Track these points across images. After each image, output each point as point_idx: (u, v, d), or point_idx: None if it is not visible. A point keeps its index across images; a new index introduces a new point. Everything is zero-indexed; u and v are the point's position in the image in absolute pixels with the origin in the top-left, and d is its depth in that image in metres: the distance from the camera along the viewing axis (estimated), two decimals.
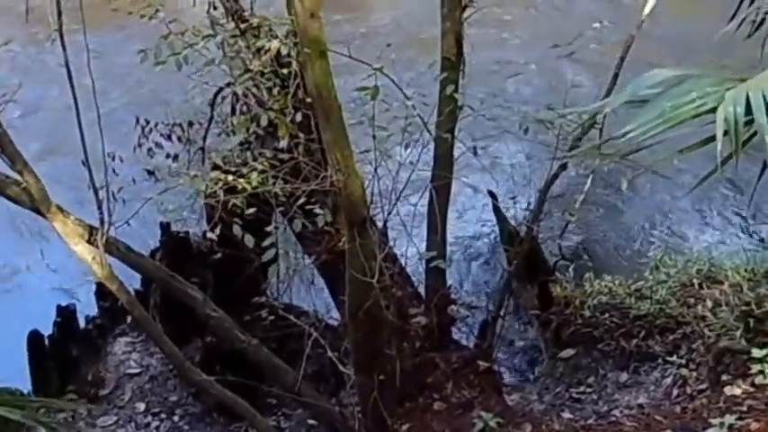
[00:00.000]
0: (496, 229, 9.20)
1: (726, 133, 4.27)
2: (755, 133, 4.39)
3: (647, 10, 7.92)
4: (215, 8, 7.59)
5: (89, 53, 6.31)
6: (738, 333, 7.67)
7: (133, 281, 8.36)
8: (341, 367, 7.42)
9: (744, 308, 7.86)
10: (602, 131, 7.03)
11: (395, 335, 7.29)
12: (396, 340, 7.30)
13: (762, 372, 6.95)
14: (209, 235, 7.24)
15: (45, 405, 7.17)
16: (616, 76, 7.54)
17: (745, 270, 8.40)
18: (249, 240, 6.92)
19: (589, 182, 8.32)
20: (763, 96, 4.31)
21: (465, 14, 7.29)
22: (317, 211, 6.94)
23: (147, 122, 8.27)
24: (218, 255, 7.91)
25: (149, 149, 8.27)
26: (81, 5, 6.43)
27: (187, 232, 8.63)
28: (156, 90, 11.82)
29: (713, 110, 4.42)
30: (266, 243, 6.98)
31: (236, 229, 6.85)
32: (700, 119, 4.58)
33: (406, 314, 7.60)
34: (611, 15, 10.68)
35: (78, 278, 9.73)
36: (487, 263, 10.09)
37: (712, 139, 4.38)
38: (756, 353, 7.00)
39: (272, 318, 7.72)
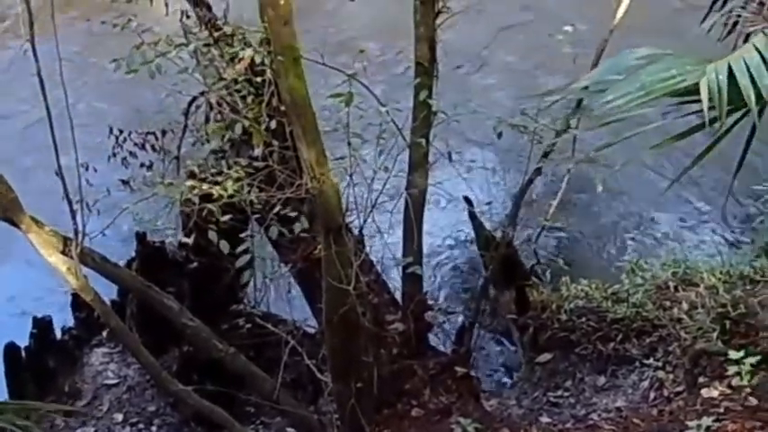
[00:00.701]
0: (473, 234, 9.20)
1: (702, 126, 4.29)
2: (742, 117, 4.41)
3: (620, 13, 7.93)
4: (188, 17, 7.57)
5: (61, 62, 6.28)
6: (715, 335, 7.71)
7: (110, 291, 8.35)
8: (318, 375, 7.40)
9: (720, 310, 7.90)
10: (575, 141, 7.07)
11: (372, 342, 7.29)
12: (373, 347, 7.30)
13: (738, 373, 6.99)
14: (185, 240, 7.24)
15: (24, 407, 7.16)
16: None
17: (721, 272, 8.43)
18: (225, 246, 6.90)
19: (564, 185, 8.31)
20: (745, 63, 4.35)
21: (438, 20, 7.29)
22: (292, 215, 6.94)
23: (121, 132, 8.24)
24: (195, 264, 7.89)
25: (124, 159, 8.24)
26: (53, 15, 6.40)
27: (163, 242, 8.60)
28: (130, 99, 11.78)
29: (693, 87, 4.45)
30: (240, 249, 6.97)
31: (212, 235, 6.83)
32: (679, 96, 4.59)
33: (382, 321, 7.60)
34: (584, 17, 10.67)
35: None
36: (464, 268, 10.09)
37: (691, 131, 4.41)
38: (733, 354, 7.04)
39: (249, 326, 7.70)
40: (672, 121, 4.83)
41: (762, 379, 7.05)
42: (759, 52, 4.39)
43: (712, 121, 4.32)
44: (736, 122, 4.59)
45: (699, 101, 4.43)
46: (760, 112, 4.40)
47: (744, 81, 4.32)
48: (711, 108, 4.33)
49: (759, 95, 4.34)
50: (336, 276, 6.54)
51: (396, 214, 7.76)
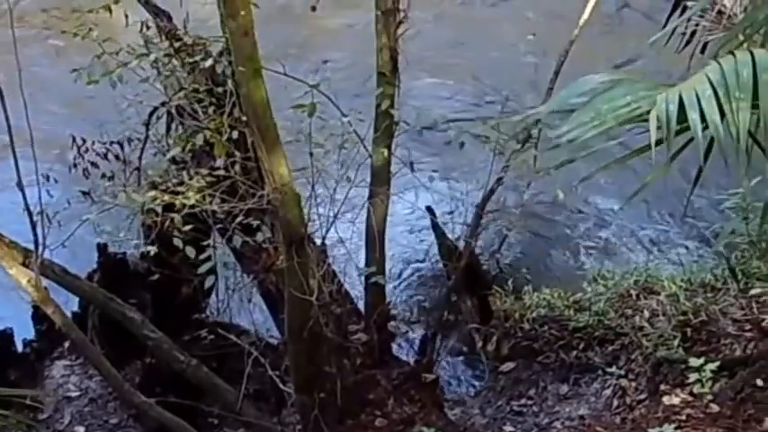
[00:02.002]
0: (435, 244, 9.21)
1: (659, 142, 4.30)
2: (691, 140, 4.43)
3: (581, 21, 7.98)
4: (147, 28, 7.54)
5: (21, 73, 6.24)
6: (676, 342, 7.77)
7: (71, 303, 8.31)
8: (282, 386, 7.39)
9: (681, 317, 7.96)
10: (538, 146, 7.09)
11: (335, 352, 7.29)
12: (336, 357, 7.30)
13: (699, 381, 7.04)
14: (149, 249, 7.21)
15: None
16: (551, 90, 7.58)
17: (682, 280, 8.50)
18: (190, 252, 6.89)
19: (526, 195, 8.35)
20: (696, 95, 4.36)
21: (399, 30, 7.29)
22: (254, 225, 6.94)
23: (84, 141, 8.20)
24: (157, 275, 7.86)
25: (85, 170, 8.20)
26: (12, 25, 6.36)
27: (125, 253, 8.55)
28: (91, 110, 11.72)
29: (648, 113, 4.46)
30: (202, 257, 6.96)
31: (177, 241, 6.81)
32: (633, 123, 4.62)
33: (345, 331, 7.58)
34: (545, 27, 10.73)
35: None
36: (427, 278, 10.09)
37: (648, 147, 4.42)
38: (693, 362, 7.09)
39: (212, 337, 7.71)
40: (632, 137, 4.84)
41: (723, 386, 7.11)
42: (711, 85, 4.40)
43: (659, 142, 4.34)
44: (685, 145, 4.62)
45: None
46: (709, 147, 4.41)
47: (693, 115, 4.33)
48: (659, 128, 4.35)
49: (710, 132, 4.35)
50: (299, 287, 6.53)
51: (359, 224, 7.77)
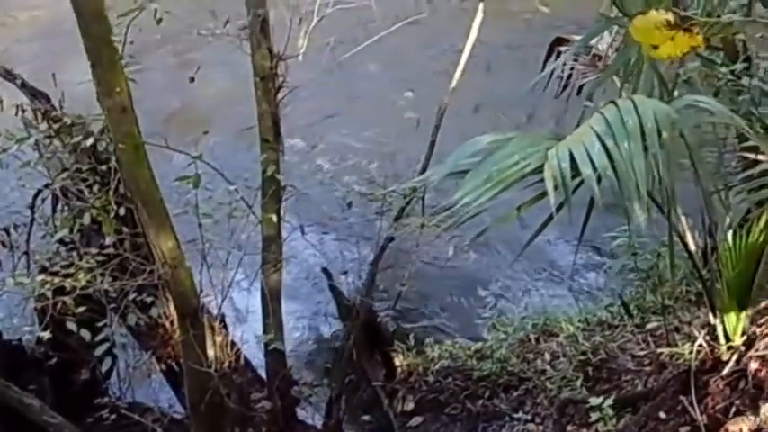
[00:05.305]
0: (333, 305, 9.21)
1: (556, 188, 4.36)
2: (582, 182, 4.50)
3: (457, 74, 8.10)
4: (23, 111, 7.47)
5: None
6: (579, 383, 7.83)
7: None
8: None
9: (581, 357, 8.04)
10: (425, 201, 7.16)
11: (239, 422, 7.23)
12: (240, 427, 7.24)
13: (602, 419, 7.09)
14: (42, 335, 7.11)
15: None
16: (433, 143, 7.67)
17: (579, 321, 8.60)
18: (85, 334, 6.81)
19: (416, 254, 8.41)
20: (585, 150, 4.43)
21: (279, 96, 7.32)
22: (149, 301, 6.89)
23: None
24: (54, 359, 7.74)
25: None
26: None
27: (20, 339, 8.41)
28: None
29: (537, 169, 4.52)
30: (98, 339, 6.88)
31: (71, 325, 6.72)
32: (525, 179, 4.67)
33: (248, 400, 7.54)
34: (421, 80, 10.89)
35: None
36: (327, 339, 10.07)
37: (541, 197, 4.48)
38: (594, 401, 7.14)
39: (114, 417, 7.58)
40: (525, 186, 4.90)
41: (627, 422, 7.15)
42: (599, 138, 4.49)
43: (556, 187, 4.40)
44: (577, 187, 4.69)
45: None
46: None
47: (587, 171, 4.41)
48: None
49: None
50: (196, 359, 6.48)
51: (254, 291, 7.74)
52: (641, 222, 4.40)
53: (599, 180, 4.35)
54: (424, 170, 7.08)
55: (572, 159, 4.43)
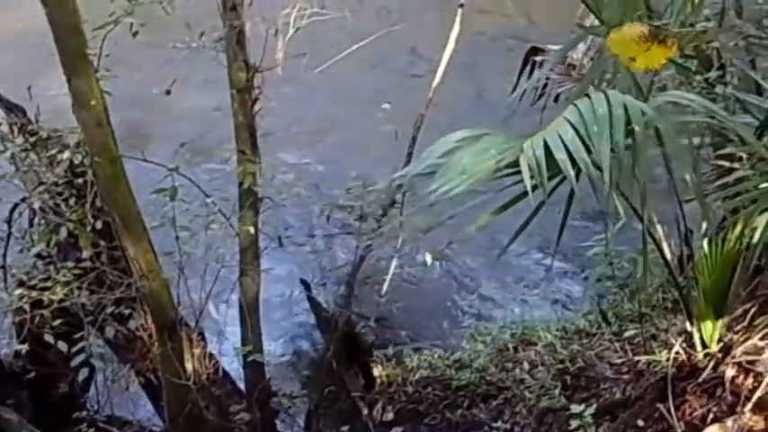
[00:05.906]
0: (312, 317, 9.21)
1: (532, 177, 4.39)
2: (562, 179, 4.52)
3: (434, 84, 8.13)
4: None
5: None
6: (557, 391, 7.84)
7: None
8: None
9: (559, 366, 8.06)
10: (403, 210, 7.16)
11: None
12: None
13: (582, 426, 7.10)
14: (20, 347, 7.10)
15: None
16: (410, 155, 7.68)
17: (557, 329, 8.62)
18: (63, 346, 6.80)
19: (394, 264, 8.42)
20: (560, 137, 4.47)
21: (256, 108, 7.32)
22: (126, 313, 6.88)
23: None
24: (32, 373, 7.72)
25: None
26: None
27: None
28: None
29: (513, 163, 4.54)
30: (75, 350, 6.87)
31: (48, 338, 6.72)
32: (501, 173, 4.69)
33: (227, 412, 7.52)
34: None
35: None
36: (306, 351, 10.07)
37: (519, 198, 4.51)
38: (574, 409, 7.15)
39: (92, 431, 7.56)
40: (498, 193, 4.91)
41: (606, 429, 7.18)
42: (573, 126, 4.51)
43: (534, 188, 4.42)
44: (554, 188, 4.71)
45: (520, 173, 4.53)
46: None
47: (560, 155, 4.43)
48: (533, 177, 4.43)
49: (578, 169, 4.46)
50: (175, 372, 6.48)
51: (233, 303, 7.74)
52: (614, 219, 4.43)
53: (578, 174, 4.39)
54: (392, 203, 7.14)
55: (547, 150, 4.46)
